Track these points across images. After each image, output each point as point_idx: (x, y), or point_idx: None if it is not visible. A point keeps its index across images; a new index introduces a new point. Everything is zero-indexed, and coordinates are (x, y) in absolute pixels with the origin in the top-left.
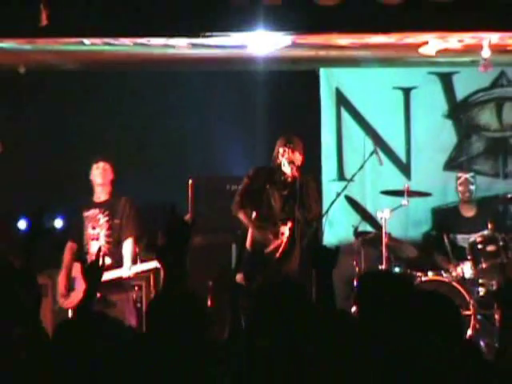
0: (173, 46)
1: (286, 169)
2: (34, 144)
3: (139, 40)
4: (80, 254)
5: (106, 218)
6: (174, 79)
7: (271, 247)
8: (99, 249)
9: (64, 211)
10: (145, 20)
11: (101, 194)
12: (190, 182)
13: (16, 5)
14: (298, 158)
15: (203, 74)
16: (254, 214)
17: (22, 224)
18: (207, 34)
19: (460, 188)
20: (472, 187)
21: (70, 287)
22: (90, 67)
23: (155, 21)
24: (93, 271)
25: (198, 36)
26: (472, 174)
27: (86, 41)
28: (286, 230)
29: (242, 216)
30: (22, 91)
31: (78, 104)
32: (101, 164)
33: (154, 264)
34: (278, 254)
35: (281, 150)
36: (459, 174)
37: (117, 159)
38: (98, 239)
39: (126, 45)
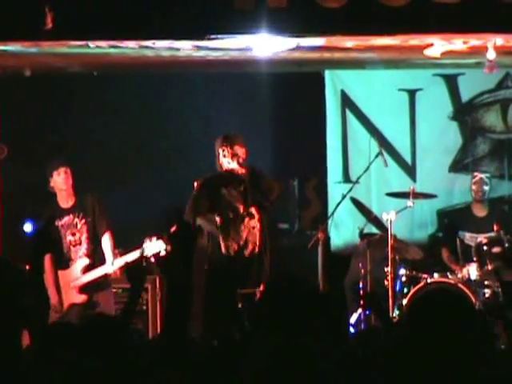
0: (178, 49)
1: (232, 166)
2: (39, 146)
3: (144, 43)
4: (60, 263)
5: (83, 221)
6: (179, 82)
7: (250, 248)
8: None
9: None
10: (150, 22)
11: (67, 199)
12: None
13: (21, 8)
14: (240, 151)
15: (208, 76)
16: (218, 220)
17: (28, 227)
18: (212, 36)
19: (474, 187)
20: (486, 187)
21: (60, 296)
22: (95, 70)
23: (160, 23)
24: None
25: (202, 38)
26: (488, 174)
27: (91, 44)
28: (255, 223)
29: (201, 221)
30: (27, 94)
31: (83, 107)
32: (62, 169)
33: (135, 255)
34: (257, 251)
35: (220, 151)
36: (475, 173)
37: (121, 162)
38: (80, 244)
39: (131, 47)
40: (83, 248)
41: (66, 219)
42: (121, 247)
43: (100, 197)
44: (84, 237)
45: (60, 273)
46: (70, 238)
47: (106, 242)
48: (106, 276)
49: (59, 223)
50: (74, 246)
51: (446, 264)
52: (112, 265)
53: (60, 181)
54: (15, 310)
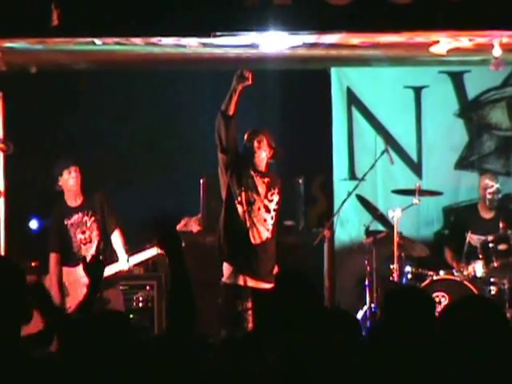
0: (184, 46)
1: (259, 159)
2: (45, 144)
3: (151, 39)
4: (70, 261)
5: (93, 219)
6: (186, 79)
7: (259, 238)
8: (98, 244)
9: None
10: (156, 19)
11: (76, 198)
12: (202, 181)
13: (27, 5)
14: (266, 149)
15: (214, 73)
16: (243, 195)
17: (33, 224)
18: (218, 33)
19: (489, 196)
20: (500, 195)
21: (63, 296)
22: (102, 67)
23: (166, 20)
24: (95, 267)
25: (209, 35)
26: (499, 184)
27: (98, 40)
28: (267, 216)
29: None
30: (34, 91)
31: (90, 104)
32: (72, 168)
33: (150, 253)
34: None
35: (250, 143)
36: (490, 183)
37: (129, 159)
38: (90, 241)
39: (137, 44)
40: (94, 246)
41: (75, 218)
42: (128, 246)
43: (107, 195)
44: (94, 234)
45: (70, 270)
46: (80, 236)
47: (117, 239)
48: (116, 273)
49: (68, 222)
50: (85, 244)
51: (449, 264)
52: (127, 262)
53: (70, 180)
54: (20, 309)
